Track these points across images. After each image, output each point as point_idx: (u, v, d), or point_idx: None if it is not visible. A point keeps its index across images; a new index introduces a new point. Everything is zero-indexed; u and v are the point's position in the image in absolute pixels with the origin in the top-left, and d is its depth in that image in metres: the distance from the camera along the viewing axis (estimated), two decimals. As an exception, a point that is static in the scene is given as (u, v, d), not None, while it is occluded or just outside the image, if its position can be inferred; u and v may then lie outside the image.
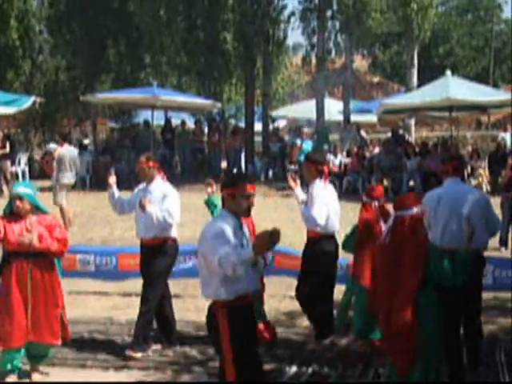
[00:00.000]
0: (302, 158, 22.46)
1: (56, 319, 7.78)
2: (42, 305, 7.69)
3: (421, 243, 6.03)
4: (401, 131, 25.49)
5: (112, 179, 9.16)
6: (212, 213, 8.93)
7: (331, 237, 8.97)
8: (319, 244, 8.90)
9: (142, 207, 8.59)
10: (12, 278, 7.61)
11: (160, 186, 8.90)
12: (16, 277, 7.60)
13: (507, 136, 23.76)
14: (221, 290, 5.86)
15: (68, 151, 17.07)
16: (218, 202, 8.82)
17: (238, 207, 6.05)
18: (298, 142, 24.64)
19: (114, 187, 9.14)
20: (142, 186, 9.10)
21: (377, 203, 8.62)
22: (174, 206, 8.79)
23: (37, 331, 7.67)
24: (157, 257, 8.74)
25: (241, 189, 6.05)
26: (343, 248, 9.01)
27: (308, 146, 23.62)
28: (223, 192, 6.14)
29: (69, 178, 16.92)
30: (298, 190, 9.32)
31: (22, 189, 7.73)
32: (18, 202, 7.61)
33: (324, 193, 8.84)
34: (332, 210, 8.86)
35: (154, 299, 8.68)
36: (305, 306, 9.08)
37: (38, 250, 7.59)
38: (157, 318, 8.93)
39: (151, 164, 8.92)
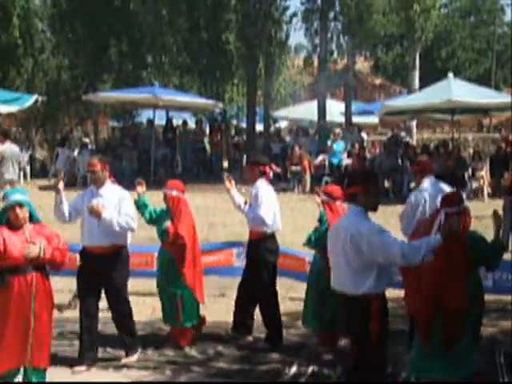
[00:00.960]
0: (335, 160, 22.42)
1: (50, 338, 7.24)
2: (45, 324, 7.01)
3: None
4: (403, 133, 25.47)
5: (61, 184, 8.25)
6: (143, 214, 9.04)
7: (273, 236, 9.12)
8: (264, 243, 9.01)
9: (96, 213, 7.95)
10: (11, 298, 6.80)
11: (112, 189, 8.32)
12: (17, 295, 6.81)
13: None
14: (376, 283, 6.11)
15: (10, 148, 17.05)
16: (149, 202, 9.05)
17: (372, 201, 6.32)
18: (329, 143, 24.07)
19: (63, 194, 8.24)
20: (88, 189, 8.48)
21: (338, 203, 8.60)
22: (133, 209, 8.42)
23: (37, 355, 6.95)
24: (116, 267, 8.25)
25: (373, 184, 6.39)
26: (305, 244, 9.08)
27: (339, 147, 23.12)
28: (354, 189, 6.27)
29: (11, 174, 16.87)
30: (234, 192, 9.24)
31: (20, 196, 6.99)
32: (18, 210, 6.86)
33: (268, 193, 9.01)
34: (276, 210, 9.05)
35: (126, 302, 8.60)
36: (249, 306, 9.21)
37: (43, 263, 6.95)
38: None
39: (104, 166, 8.25)
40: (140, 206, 8.94)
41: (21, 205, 6.90)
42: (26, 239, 6.85)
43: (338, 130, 24.51)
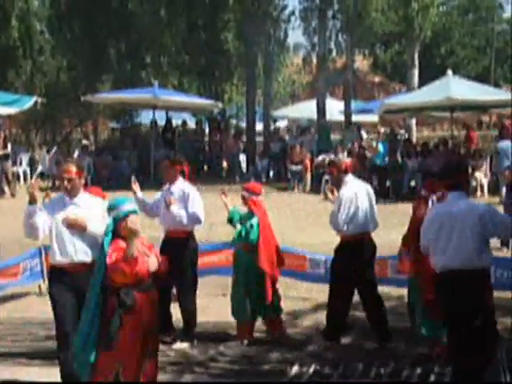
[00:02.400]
0: (379, 160, 22.09)
1: None
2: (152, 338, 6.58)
3: None
4: (402, 131, 25.48)
5: (36, 192, 7.23)
6: (235, 227, 9.32)
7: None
8: (189, 242, 9.23)
9: (79, 226, 7.15)
10: (139, 320, 6.29)
11: (88, 198, 7.50)
12: (141, 318, 6.30)
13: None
14: (488, 256, 6.80)
15: None
16: (239, 213, 9.27)
17: (468, 187, 7.14)
18: (374, 143, 23.22)
19: (38, 203, 7.24)
20: (57, 199, 7.48)
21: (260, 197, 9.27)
22: None
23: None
24: None
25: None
26: (234, 241, 9.34)
27: (384, 147, 22.57)
28: (459, 178, 6.88)
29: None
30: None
31: (133, 205, 6.52)
32: (136, 221, 6.33)
33: (194, 190, 9.22)
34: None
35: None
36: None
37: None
38: None
39: (80, 174, 7.39)
40: (234, 222, 9.38)
41: (136, 215, 6.45)
42: (141, 252, 6.33)
43: (382, 130, 23.90)
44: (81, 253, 7.13)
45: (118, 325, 6.11)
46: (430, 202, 8.46)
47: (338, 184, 9.09)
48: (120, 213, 6.31)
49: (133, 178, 9.42)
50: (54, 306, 7.18)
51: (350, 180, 9.06)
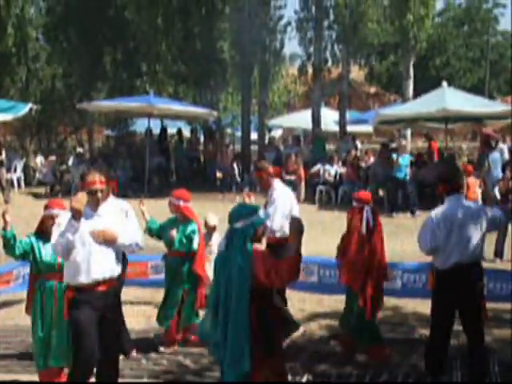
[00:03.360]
0: (400, 174, 21.10)
1: None
2: None
3: None
4: (394, 145, 25.47)
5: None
6: (154, 235, 9.56)
7: None
8: None
9: (110, 238, 6.96)
10: None
11: (107, 206, 7.54)
12: None
13: (505, 147, 23.77)
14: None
15: None
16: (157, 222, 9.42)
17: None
18: (394, 156, 22.22)
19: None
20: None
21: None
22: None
23: None
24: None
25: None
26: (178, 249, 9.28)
27: (406, 160, 21.74)
28: (458, 183, 7.93)
29: None
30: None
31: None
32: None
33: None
34: None
35: None
36: None
37: None
38: None
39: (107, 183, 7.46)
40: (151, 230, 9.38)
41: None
42: None
43: (404, 142, 23.46)
44: (109, 269, 6.88)
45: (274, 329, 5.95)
46: (364, 213, 8.70)
47: (265, 187, 9.49)
48: (261, 219, 6.10)
49: (140, 201, 9.42)
50: (78, 334, 6.76)
51: (278, 183, 9.58)
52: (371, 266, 8.71)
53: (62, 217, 7.05)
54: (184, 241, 9.06)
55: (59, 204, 7.63)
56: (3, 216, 7.45)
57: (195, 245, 9.05)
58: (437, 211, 7.63)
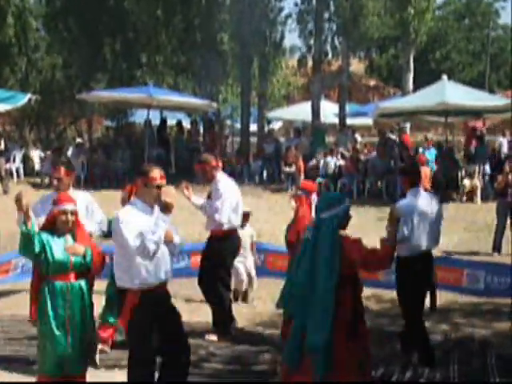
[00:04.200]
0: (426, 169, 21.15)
1: None
2: None
3: None
4: (392, 136, 25.48)
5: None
6: None
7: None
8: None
9: None
10: None
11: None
12: None
13: (504, 141, 23.79)
14: None
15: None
16: None
17: None
18: (420, 150, 21.98)
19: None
20: (47, 197, 7.96)
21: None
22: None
23: None
24: None
25: None
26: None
27: (432, 155, 21.47)
28: (417, 177, 8.47)
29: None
30: (194, 199, 9.71)
31: None
32: None
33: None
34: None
35: None
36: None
37: None
38: None
39: (68, 173, 8.16)
40: None
41: None
42: None
43: (430, 136, 23.11)
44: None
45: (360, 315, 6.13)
46: (313, 202, 8.79)
47: (209, 180, 9.43)
48: (346, 207, 6.23)
49: (183, 184, 9.47)
50: (140, 340, 6.54)
51: (222, 176, 9.51)
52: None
53: (127, 212, 6.51)
54: None
55: (69, 199, 7.12)
56: (25, 210, 6.73)
57: None
58: (402, 203, 8.12)
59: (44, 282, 6.78)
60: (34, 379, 7.68)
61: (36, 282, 6.96)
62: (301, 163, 23.72)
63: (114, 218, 6.51)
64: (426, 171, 19.45)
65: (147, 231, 6.21)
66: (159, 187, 6.48)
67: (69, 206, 6.78)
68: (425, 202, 8.16)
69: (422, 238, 8.03)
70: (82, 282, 6.80)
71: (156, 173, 6.52)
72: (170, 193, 6.57)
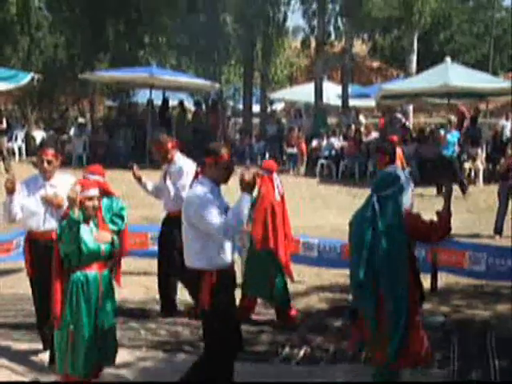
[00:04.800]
0: (448, 152, 19.99)
1: None
2: None
3: None
4: (399, 115, 25.46)
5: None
6: None
7: None
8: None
9: (57, 203, 7.51)
10: None
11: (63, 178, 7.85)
12: None
13: (508, 124, 23.76)
14: None
15: None
16: None
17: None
18: (442, 132, 21.20)
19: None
20: (32, 179, 7.88)
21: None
22: None
23: None
24: None
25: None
26: None
27: (454, 137, 20.75)
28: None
29: None
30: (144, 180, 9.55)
31: None
32: None
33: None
34: None
35: None
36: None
37: None
38: None
39: (57, 156, 7.85)
40: None
41: None
42: None
43: (453, 118, 22.75)
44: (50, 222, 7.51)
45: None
46: (275, 181, 9.12)
47: (168, 160, 9.20)
48: (403, 183, 6.51)
49: (135, 166, 9.20)
50: (225, 319, 6.40)
51: (179, 156, 9.33)
52: (287, 231, 9.20)
53: (201, 191, 6.33)
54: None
55: (93, 184, 6.82)
56: (72, 199, 6.37)
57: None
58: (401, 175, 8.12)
59: (72, 274, 6.48)
60: (29, 360, 7.75)
61: (60, 276, 6.54)
62: (303, 144, 23.71)
63: (188, 199, 6.37)
64: (399, 151, 19.57)
65: (221, 211, 6.23)
66: (228, 167, 6.43)
67: (94, 192, 6.57)
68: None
69: None
70: (107, 270, 6.71)
71: (225, 152, 6.43)
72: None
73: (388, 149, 9.16)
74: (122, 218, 7.87)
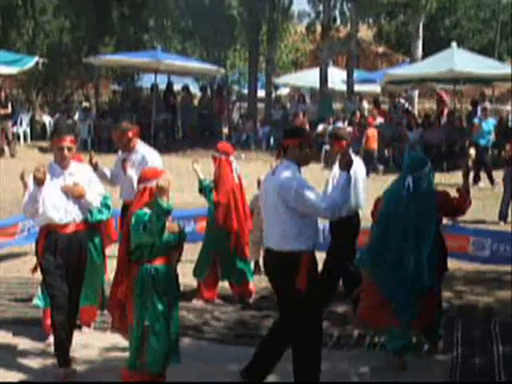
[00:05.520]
0: (483, 141, 19.74)
1: None
2: None
3: None
4: (402, 100, 25.42)
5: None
6: (205, 196, 9.46)
7: None
8: None
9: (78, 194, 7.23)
10: None
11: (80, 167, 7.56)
12: None
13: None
14: None
15: None
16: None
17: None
18: (476, 120, 20.80)
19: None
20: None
21: None
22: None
23: None
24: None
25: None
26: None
27: (489, 125, 20.42)
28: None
29: None
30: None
31: None
32: None
33: None
34: None
35: None
36: None
37: None
38: None
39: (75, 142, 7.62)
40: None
41: None
42: None
43: (488, 105, 22.21)
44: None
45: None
46: (233, 163, 9.43)
47: (129, 148, 8.94)
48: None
49: (93, 156, 8.76)
50: (318, 301, 6.63)
51: (141, 144, 9.12)
52: (245, 212, 9.42)
53: (296, 172, 6.31)
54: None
55: (155, 172, 6.50)
56: (162, 188, 6.11)
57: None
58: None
59: (141, 266, 6.23)
60: (37, 343, 7.77)
61: (127, 270, 6.33)
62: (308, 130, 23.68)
63: (282, 183, 6.22)
64: (373, 132, 21.64)
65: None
66: (312, 148, 6.51)
67: (161, 179, 6.22)
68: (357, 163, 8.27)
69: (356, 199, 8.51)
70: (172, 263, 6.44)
71: (309, 132, 6.76)
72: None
73: (342, 135, 9.09)
74: (108, 207, 8.01)
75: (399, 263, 6.92)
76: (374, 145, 21.56)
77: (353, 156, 6.82)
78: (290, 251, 6.23)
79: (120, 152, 9.16)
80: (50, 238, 7.08)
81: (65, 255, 7.05)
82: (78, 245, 7.19)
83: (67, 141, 7.09)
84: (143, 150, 9.02)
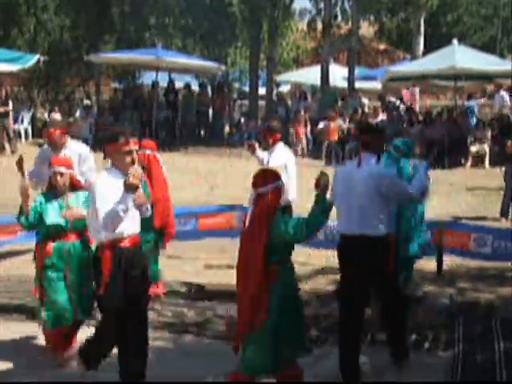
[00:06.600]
0: None
1: None
2: None
3: None
4: (392, 98, 25.39)
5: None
6: None
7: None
8: None
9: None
10: None
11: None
12: None
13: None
14: None
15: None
16: None
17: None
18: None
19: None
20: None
21: None
22: None
23: None
24: None
25: None
26: None
27: None
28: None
29: None
30: (258, 152, 10.14)
31: None
32: None
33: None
34: None
35: None
36: None
37: None
38: None
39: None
40: None
41: None
42: None
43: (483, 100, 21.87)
44: None
45: None
46: (160, 160, 9.46)
47: (59, 147, 8.70)
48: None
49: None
50: None
51: (70, 140, 8.93)
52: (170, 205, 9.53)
53: None
54: None
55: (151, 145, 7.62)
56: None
57: None
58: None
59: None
60: (37, 342, 7.78)
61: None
62: (306, 127, 23.72)
63: (376, 174, 6.81)
64: (336, 124, 22.70)
65: None
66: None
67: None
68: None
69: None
70: None
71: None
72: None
73: (276, 127, 10.06)
74: None
75: None
76: (335, 136, 22.37)
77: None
78: (379, 236, 6.72)
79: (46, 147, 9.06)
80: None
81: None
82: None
83: (132, 143, 6.31)
84: (74, 146, 8.87)
